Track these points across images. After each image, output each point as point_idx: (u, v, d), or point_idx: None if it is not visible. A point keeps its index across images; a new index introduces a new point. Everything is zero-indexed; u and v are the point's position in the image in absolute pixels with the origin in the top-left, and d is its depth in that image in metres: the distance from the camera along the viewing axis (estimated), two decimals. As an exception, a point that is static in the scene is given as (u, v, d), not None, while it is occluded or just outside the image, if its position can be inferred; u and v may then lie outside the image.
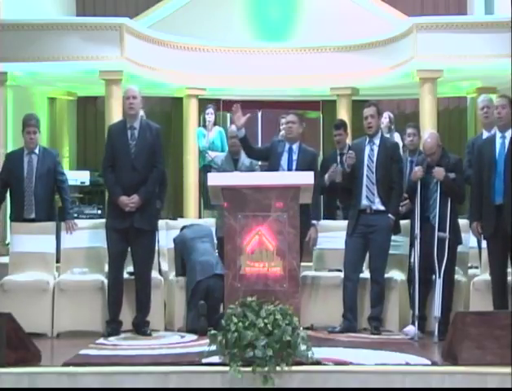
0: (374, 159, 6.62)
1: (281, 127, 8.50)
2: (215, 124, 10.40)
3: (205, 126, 10.40)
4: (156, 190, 6.65)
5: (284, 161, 6.82)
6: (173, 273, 7.03)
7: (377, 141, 6.68)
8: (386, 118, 9.33)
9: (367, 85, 12.08)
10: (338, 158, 7.83)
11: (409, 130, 7.73)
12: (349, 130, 8.52)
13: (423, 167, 6.47)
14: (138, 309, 6.46)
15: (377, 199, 6.57)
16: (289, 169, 6.76)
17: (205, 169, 9.67)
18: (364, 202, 6.59)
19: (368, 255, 6.69)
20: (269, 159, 6.92)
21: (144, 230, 6.40)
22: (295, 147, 6.89)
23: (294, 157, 6.84)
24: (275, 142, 7.14)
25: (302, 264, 5.87)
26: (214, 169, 8.08)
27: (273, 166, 6.79)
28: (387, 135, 9.00)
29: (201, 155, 10.23)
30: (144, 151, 6.42)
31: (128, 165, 6.39)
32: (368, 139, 6.70)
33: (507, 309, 5.89)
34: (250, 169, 7.43)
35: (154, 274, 6.80)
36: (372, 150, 6.66)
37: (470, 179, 6.55)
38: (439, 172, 6.39)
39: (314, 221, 6.78)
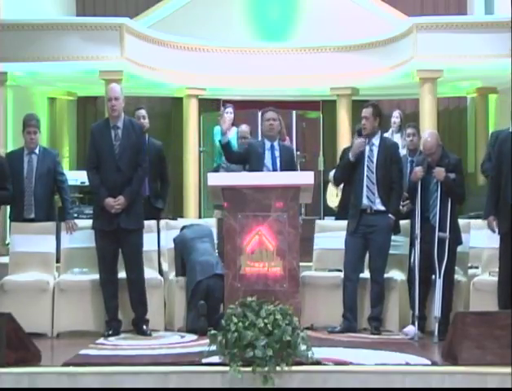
0: (374, 159, 6.62)
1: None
2: (233, 124, 10.38)
3: None
4: (140, 189, 6.61)
5: (267, 160, 6.76)
6: (173, 273, 7.03)
7: (376, 141, 6.67)
8: (397, 118, 9.30)
9: (367, 85, 12.09)
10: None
11: (409, 130, 7.74)
12: (349, 131, 8.49)
13: (423, 167, 6.47)
14: (134, 309, 6.45)
15: (377, 200, 6.57)
16: (274, 168, 6.73)
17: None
18: (365, 202, 6.58)
19: (368, 255, 6.68)
20: (249, 160, 6.85)
21: (131, 230, 6.39)
22: (276, 144, 6.86)
23: (277, 154, 6.80)
24: (253, 143, 7.10)
25: (302, 264, 5.86)
26: (222, 168, 8.08)
27: (256, 167, 6.69)
28: (398, 134, 8.99)
29: (218, 153, 10.21)
30: (128, 151, 6.38)
31: (112, 166, 6.35)
32: (367, 140, 6.70)
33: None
34: None
35: (154, 274, 6.81)
36: (371, 150, 6.65)
37: (487, 172, 6.47)
38: (439, 172, 6.38)
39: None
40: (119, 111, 6.43)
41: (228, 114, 10.11)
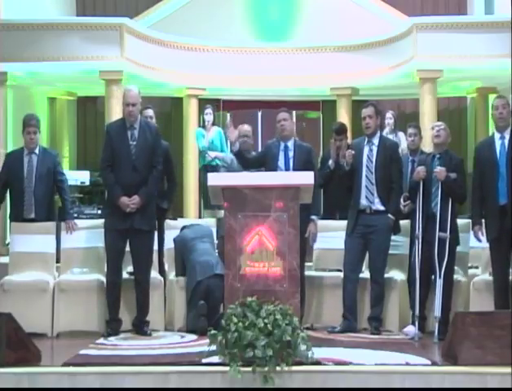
0: (373, 159, 6.60)
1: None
2: (214, 124, 10.42)
3: (204, 126, 10.40)
4: (156, 190, 6.63)
5: (280, 161, 6.68)
6: (173, 273, 7.03)
7: (376, 141, 6.67)
8: (391, 119, 9.32)
9: (367, 85, 12.09)
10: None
11: (410, 130, 7.74)
12: (349, 131, 8.49)
13: (425, 167, 6.47)
14: (138, 309, 6.45)
15: (376, 200, 6.56)
16: (287, 168, 6.66)
17: (205, 168, 9.67)
18: (364, 202, 6.57)
19: (367, 255, 6.68)
20: (266, 163, 6.78)
21: (144, 231, 6.40)
22: (290, 144, 6.76)
23: (290, 155, 6.71)
24: (269, 144, 7.00)
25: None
26: (223, 167, 8.04)
27: (270, 168, 6.64)
28: (392, 135, 8.99)
29: (201, 155, 10.25)
30: (145, 152, 6.40)
31: (129, 166, 6.36)
32: (366, 139, 6.68)
33: (508, 309, 5.89)
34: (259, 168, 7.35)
35: (154, 274, 6.80)
36: (371, 150, 6.64)
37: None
38: (440, 172, 6.39)
39: (313, 217, 6.72)
40: (136, 116, 6.45)
41: (208, 115, 10.16)
